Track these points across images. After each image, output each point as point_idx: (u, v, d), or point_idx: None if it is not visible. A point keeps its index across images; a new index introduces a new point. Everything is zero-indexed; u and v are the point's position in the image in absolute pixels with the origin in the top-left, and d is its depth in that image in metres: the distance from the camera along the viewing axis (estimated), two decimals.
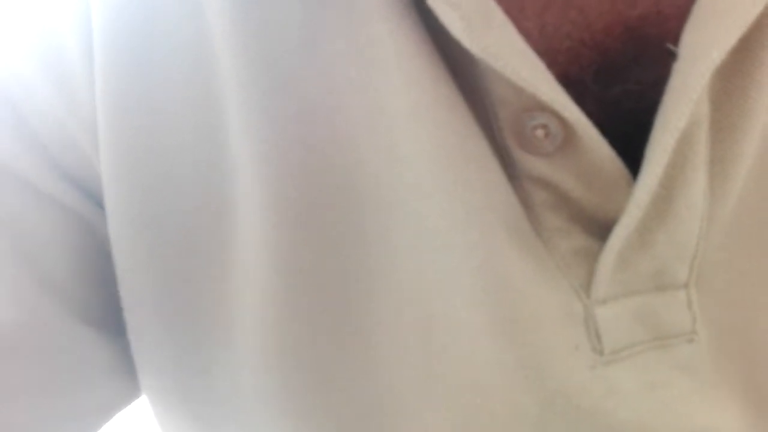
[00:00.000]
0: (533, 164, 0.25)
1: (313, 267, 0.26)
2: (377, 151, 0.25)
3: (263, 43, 0.26)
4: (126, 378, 0.30)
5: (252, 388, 0.27)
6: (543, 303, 0.25)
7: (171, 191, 0.26)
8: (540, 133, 0.24)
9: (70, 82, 0.27)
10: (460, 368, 0.26)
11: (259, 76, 0.25)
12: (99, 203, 0.28)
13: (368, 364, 0.26)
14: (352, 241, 0.26)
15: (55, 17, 0.28)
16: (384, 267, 0.25)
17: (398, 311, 0.25)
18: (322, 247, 0.26)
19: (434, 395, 0.26)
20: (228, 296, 0.27)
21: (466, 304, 0.25)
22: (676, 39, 0.24)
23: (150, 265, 0.27)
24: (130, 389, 0.31)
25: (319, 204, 0.25)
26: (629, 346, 0.26)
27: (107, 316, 0.29)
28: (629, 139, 0.25)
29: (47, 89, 0.27)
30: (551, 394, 0.26)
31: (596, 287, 0.25)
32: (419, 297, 0.25)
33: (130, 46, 0.26)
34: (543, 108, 0.24)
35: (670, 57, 0.24)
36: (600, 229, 0.25)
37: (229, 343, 0.27)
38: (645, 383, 0.26)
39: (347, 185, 0.25)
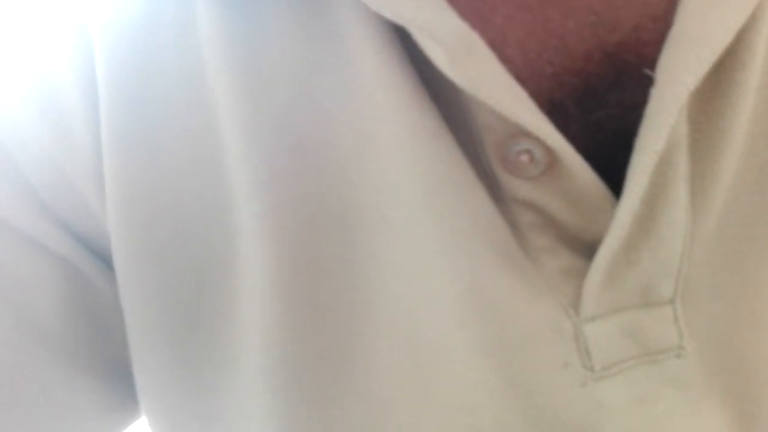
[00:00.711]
0: (519, 187, 0.26)
1: (311, 291, 0.26)
2: (368, 181, 0.26)
3: (257, 78, 0.27)
4: (113, 412, 0.31)
5: (255, 407, 0.28)
6: (532, 322, 0.26)
7: (175, 223, 0.27)
8: (525, 158, 0.25)
9: (68, 125, 0.28)
10: (452, 388, 0.26)
11: (253, 110, 0.26)
12: (90, 247, 0.29)
13: (364, 383, 0.26)
14: (347, 265, 0.26)
15: (52, 60, 0.28)
16: (376, 290, 0.26)
17: (391, 332, 0.26)
18: (319, 272, 0.26)
19: (427, 414, 0.27)
20: (232, 320, 0.27)
21: (456, 326, 0.26)
22: (654, 64, 0.25)
23: (157, 294, 0.28)
24: (118, 422, 0.32)
25: (315, 231, 0.26)
26: (619, 362, 0.26)
27: (95, 355, 0.30)
28: (613, 159, 0.26)
29: (43, 134, 0.28)
30: (540, 411, 0.26)
31: (585, 305, 0.26)
32: (410, 319, 0.26)
33: (133, 85, 0.27)
34: (527, 135, 0.25)
35: (649, 81, 0.25)
36: (586, 248, 0.26)
37: (233, 364, 0.28)
38: (634, 398, 0.26)
39: (340, 213, 0.26)
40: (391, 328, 0.26)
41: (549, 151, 0.25)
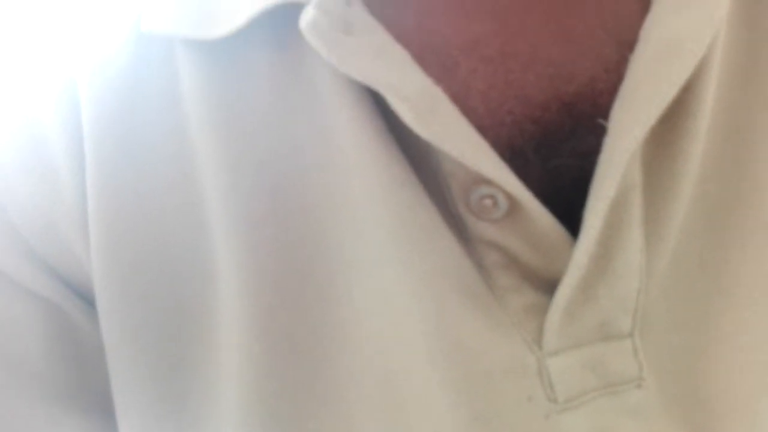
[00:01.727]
0: (484, 229, 0.27)
1: (287, 329, 0.28)
2: (339, 224, 0.28)
3: (235, 127, 0.28)
4: None
5: None
6: (498, 358, 0.27)
7: (156, 266, 0.29)
8: (488, 202, 0.27)
9: (54, 176, 0.29)
10: (420, 421, 0.27)
11: (232, 157, 0.28)
12: (74, 289, 0.30)
13: (339, 416, 0.28)
14: (321, 303, 0.28)
15: (40, 113, 0.30)
16: (349, 327, 0.28)
17: (363, 367, 0.28)
18: (295, 310, 0.28)
19: None
20: (211, 357, 0.29)
21: (423, 362, 0.27)
22: (608, 113, 0.27)
23: (139, 333, 0.29)
24: None
25: (291, 271, 0.28)
26: (581, 394, 0.28)
27: (78, 394, 0.31)
28: (571, 203, 0.27)
29: (31, 184, 0.29)
30: None
31: (547, 340, 0.27)
32: (381, 355, 0.27)
33: (117, 137, 0.29)
34: (488, 182, 0.26)
35: (602, 130, 0.27)
36: (548, 286, 0.27)
37: (212, 400, 0.29)
38: (596, 429, 0.27)
39: (315, 255, 0.28)
40: (364, 362, 0.27)
41: (509, 197, 0.27)
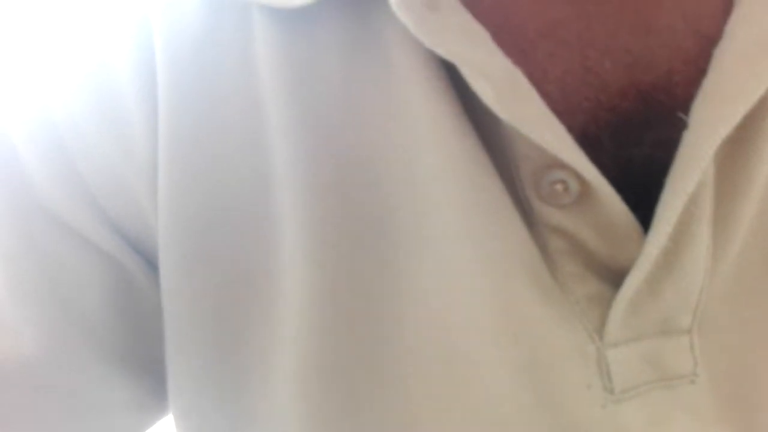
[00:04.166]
0: (551, 214, 0.27)
1: (349, 301, 0.28)
2: (408, 200, 0.27)
3: (307, 95, 0.28)
4: (143, 410, 0.32)
5: (287, 411, 0.28)
6: (559, 344, 0.27)
7: (223, 231, 0.28)
8: (559, 187, 0.27)
9: (128, 133, 0.29)
10: (480, 401, 0.27)
11: (302, 127, 0.28)
12: (137, 249, 0.30)
13: (396, 392, 0.28)
14: (384, 278, 0.28)
15: (113, 64, 0.29)
16: (412, 303, 0.27)
17: (424, 345, 0.27)
18: (357, 283, 0.28)
19: (454, 424, 0.28)
20: (270, 326, 0.29)
21: (487, 343, 0.27)
22: (684, 104, 0.27)
23: (201, 298, 0.29)
24: (145, 420, 0.33)
25: (356, 245, 0.27)
26: (637, 386, 0.28)
27: (132, 354, 0.31)
28: (642, 190, 0.27)
29: (104, 141, 0.29)
30: (563, 429, 0.27)
31: (608, 331, 0.27)
32: (444, 333, 0.27)
33: (191, 97, 0.28)
34: (563, 166, 0.26)
35: (679, 121, 0.26)
36: (613, 276, 0.27)
37: (268, 368, 0.29)
38: (649, 420, 0.28)
39: (381, 229, 0.27)
40: (425, 341, 0.27)
41: (583, 182, 0.26)
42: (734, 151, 0.27)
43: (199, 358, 0.29)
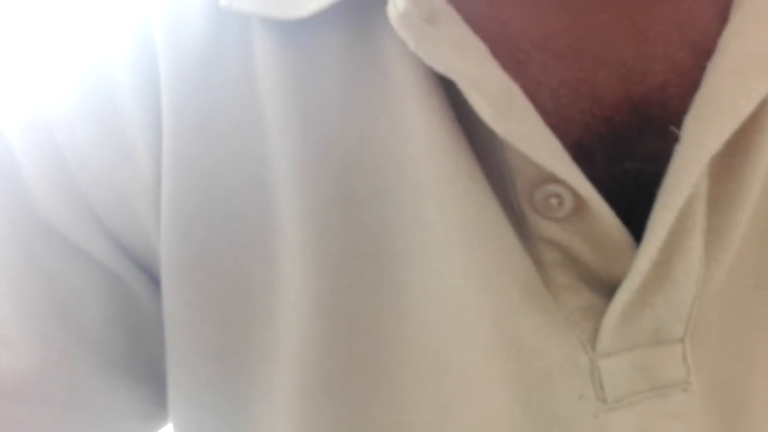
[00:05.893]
0: (546, 227, 0.27)
1: (347, 311, 0.28)
2: (404, 211, 0.28)
3: (306, 108, 0.28)
4: (144, 419, 0.32)
5: (285, 418, 0.29)
6: (552, 356, 0.28)
7: (225, 243, 0.29)
8: (553, 201, 0.27)
9: (130, 147, 0.29)
10: (472, 412, 0.28)
11: (301, 138, 0.28)
12: (137, 262, 0.30)
13: (392, 401, 0.28)
14: (381, 289, 0.28)
15: (119, 85, 0.29)
16: (407, 314, 0.28)
17: (418, 356, 0.28)
18: (356, 294, 0.28)
19: None
20: (270, 336, 0.29)
21: (480, 355, 0.28)
22: (677, 118, 0.27)
23: (202, 310, 0.29)
24: (150, 429, 0.33)
25: (354, 254, 0.28)
26: (629, 395, 0.28)
27: (132, 365, 0.31)
28: (635, 203, 0.27)
29: (105, 154, 0.29)
30: None
31: (601, 341, 0.28)
32: (438, 344, 0.28)
33: (195, 112, 0.28)
34: (557, 181, 0.26)
35: (672, 135, 0.27)
36: (605, 287, 0.28)
37: (267, 377, 0.29)
38: (642, 429, 0.28)
39: (378, 239, 0.28)
40: (419, 352, 0.28)
41: (577, 197, 0.27)
42: (728, 162, 0.27)
43: (199, 369, 0.29)
